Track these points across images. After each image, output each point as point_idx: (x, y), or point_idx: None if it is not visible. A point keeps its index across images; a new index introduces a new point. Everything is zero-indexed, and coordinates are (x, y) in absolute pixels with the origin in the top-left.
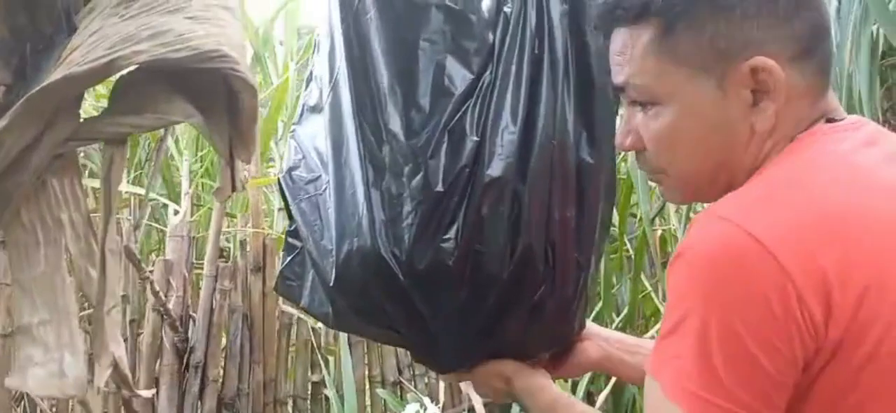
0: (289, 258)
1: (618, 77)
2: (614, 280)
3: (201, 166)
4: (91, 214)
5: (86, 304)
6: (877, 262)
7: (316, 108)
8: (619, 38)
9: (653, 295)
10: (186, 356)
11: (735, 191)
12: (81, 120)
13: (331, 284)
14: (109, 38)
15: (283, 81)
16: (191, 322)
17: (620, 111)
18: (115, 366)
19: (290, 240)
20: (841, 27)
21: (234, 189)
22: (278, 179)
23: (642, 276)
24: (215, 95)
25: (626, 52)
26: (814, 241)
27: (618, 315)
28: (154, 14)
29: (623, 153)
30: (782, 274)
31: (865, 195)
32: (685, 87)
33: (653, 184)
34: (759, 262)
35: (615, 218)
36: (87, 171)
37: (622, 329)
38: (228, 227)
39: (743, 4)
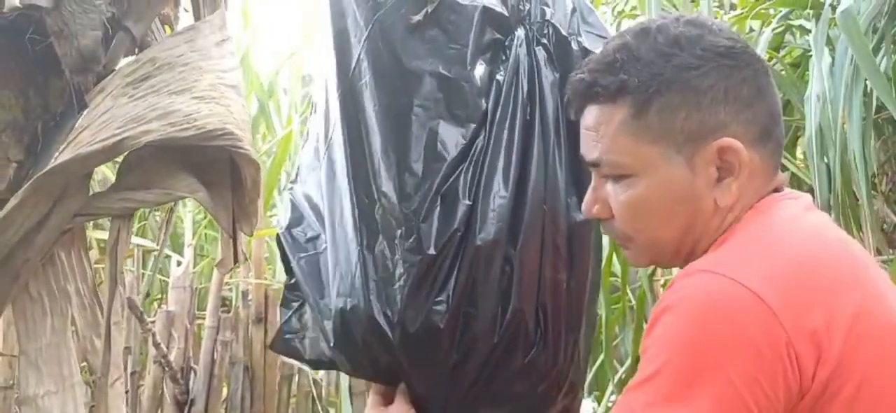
0: (288, 314)
1: (592, 153)
2: (617, 330)
3: (204, 218)
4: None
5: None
6: (850, 310)
7: (312, 168)
8: (592, 115)
9: None
10: (187, 408)
11: (709, 253)
12: (90, 195)
13: (331, 343)
14: (119, 119)
15: (286, 133)
16: (192, 374)
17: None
18: None
19: (288, 295)
20: (834, 84)
21: (236, 261)
22: (278, 235)
23: (645, 327)
24: (219, 170)
25: (600, 130)
26: (795, 287)
27: (621, 365)
28: (162, 94)
29: None
30: (772, 316)
31: (825, 249)
32: (656, 163)
33: None
34: (749, 305)
35: (618, 268)
36: (92, 223)
37: (625, 380)
38: (231, 277)
39: (713, 90)
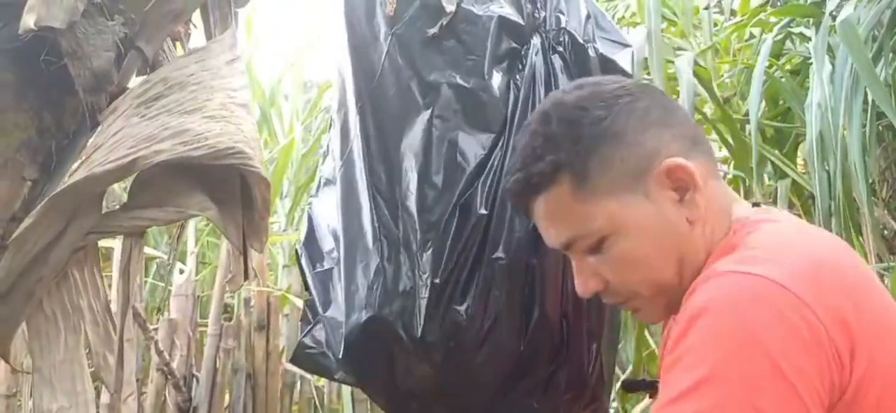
0: (307, 329)
1: (560, 237)
2: (618, 337)
3: (207, 226)
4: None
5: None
6: (875, 302)
7: (330, 182)
8: (542, 206)
9: (657, 353)
10: None
11: (719, 259)
12: (103, 213)
13: (340, 356)
14: (131, 138)
15: (288, 142)
16: (194, 381)
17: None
18: None
19: (308, 310)
20: (834, 92)
21: (246, 277)
22: (296, 250)
23: (646, 334)
24: (230, 188)
25: (556, 214)
26: (820, 281)
27: (622, 372)
28: (173, 114)
29: None
30: (806, 307)
31: (837, 249)
32: (621, 213)
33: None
34: (783, 298)
35: None
36: None
37: None
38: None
39: (631, 128)
